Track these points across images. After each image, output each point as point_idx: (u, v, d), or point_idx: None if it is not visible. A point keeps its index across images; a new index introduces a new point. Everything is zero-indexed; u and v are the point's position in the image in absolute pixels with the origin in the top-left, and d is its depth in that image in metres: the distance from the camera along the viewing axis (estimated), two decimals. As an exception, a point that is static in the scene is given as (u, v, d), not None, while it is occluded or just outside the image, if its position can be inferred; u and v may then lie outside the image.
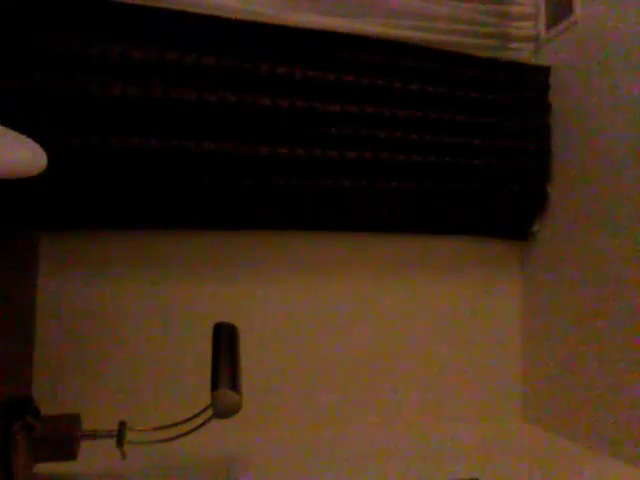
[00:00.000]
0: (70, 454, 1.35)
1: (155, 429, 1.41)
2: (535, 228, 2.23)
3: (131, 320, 1.88)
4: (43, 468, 1.43)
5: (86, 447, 1.38)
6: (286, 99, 1.87)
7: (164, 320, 1.92)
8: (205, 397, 1.40)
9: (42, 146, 1.08)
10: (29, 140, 0.86)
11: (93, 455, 1.42)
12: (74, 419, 1.40)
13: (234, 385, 1.39)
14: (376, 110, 1.98)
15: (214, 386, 1.39)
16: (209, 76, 1.80)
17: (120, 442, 1.35)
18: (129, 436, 1.37)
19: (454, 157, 2.07)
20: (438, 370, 2.17)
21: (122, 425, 1.39)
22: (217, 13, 1.84)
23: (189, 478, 1.57)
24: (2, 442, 1.20)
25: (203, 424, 1.38)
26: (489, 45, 2.19)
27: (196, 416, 1.41)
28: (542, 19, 2.24)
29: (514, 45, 2.23)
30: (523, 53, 2.24)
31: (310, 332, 2.06)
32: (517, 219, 2.23)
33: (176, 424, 1.41)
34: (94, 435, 1.40)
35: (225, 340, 1.52)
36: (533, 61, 2.24)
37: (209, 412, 1.38)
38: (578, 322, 1.97)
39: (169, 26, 1.78)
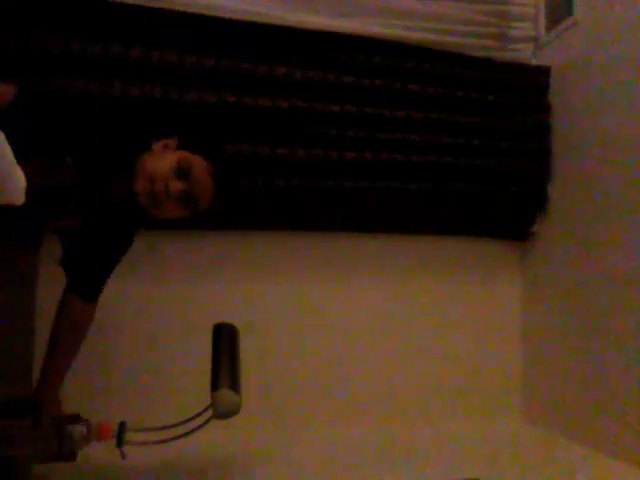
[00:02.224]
0: (70, 454, 1.35)
1: (155, 429, 1.41)
2: (535, 228, 2.23)
3: (131, 320, 1.88)
4: (43, 468, 1.43)
5: (86, 447, 1.38)
6: (286, 100, 1.87)
7: (164, 320, 1.91)
8: (205, 397, 1.40)
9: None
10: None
11: (93, 455, 1.41)
12: (74, 419, 1.39)
13: (234, 386, 1.39)
14: (376, 111, 1.98)
15: (214, 387, 1.38)
16: (209, 77, 1.80)
17: (120, 442, 1.35)
18: (129, 436, 1.37)
19: (454, 158, 2.07)
20: (438, 370, 2.17)
21: (122, 425, 1.39)
22: (217, 13, 1.85)
23: (189, 478, 1.57)
24: (2, 441, 1.20)
25: (203, 425, 1.38)
26: (489, 46, 2.19)
27: (196, 416, 1.41)
28: (542, 20, 2.24)
29: (514, 46, 2.23)
30: (523, 54, 2.24)
31: (310, 332, 2.05)
32: (517, 219, 2.23)
33: (176, 424, 1.41)
34: (94, 435, 1.39)
35: (225, 340, 1.52)
36: (533, 62, 2.24)
37: (209, 413, 1.38)
38: (578, 322, 1.96)
39: (169, 26, 1.79)
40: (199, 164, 1.27)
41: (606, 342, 1.82)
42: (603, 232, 1.87)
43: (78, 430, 1.29)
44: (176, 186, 1.24)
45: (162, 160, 1.26)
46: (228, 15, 1.85)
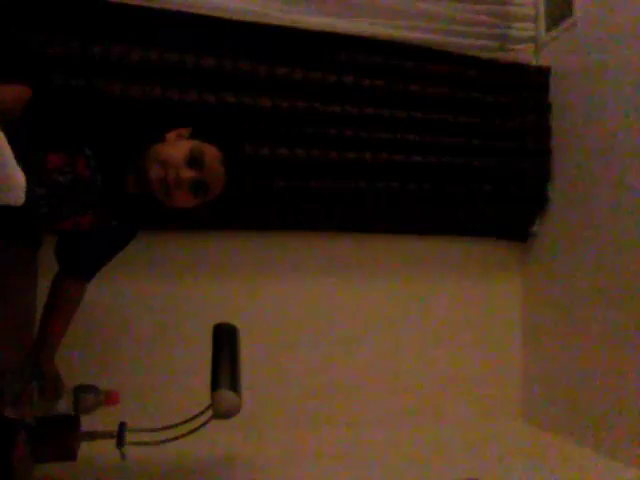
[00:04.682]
0: (70, 454, 1.35)
1: (155, 430, 1.41)
2: (535, 228, 2.23)
3: (131, 320, 1.88)
4: (43, 468, 1.43)
5: (86, 447, 1.38)
6: (286, 100, 1.87)
7: (164, 320, 1.91)
8: (205, 397, 1.40)
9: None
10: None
11: (93, 455, 1.41)
12: (74, 419, 1.39)
13: (234, 386, 1.39)
14: (376, 111, 1.98)
15: (214, 387, 1.39)
16: (209, 77, 1.80)
17: (120, 443, 1.35)
18: (129, 437, 1.37)
19: (454, 158, 2.07)
20: (438, 370, 2.17)
21: (122, 426, 1.39)
22: (217, 13, 1.85)
23: (189, 479, 1.57)
24: (2, 443, 1.20)
25: (203, 425, 1.38)
26: (489, 46, 2.19)
27: (196, 417, 1.41)
28: (542, 20, 2.24)
29: (514, 46, 2.23)
30: (523, 54, 2.24)
31: (310, 332, 2.05)
32: (517, 219, 2.23)
33: (176, 425, 1.41)
34: (94, 435, 1.40)
35: (225, 340, 1.52)
36: (533, 62, 2.24)
37: (209, 413, 1.38)
38: (578, 322, 1.97)
39: (169, 27, 1.79)
40: (211, 153, 1.28)
41: (606, 342, 1.82)
42: (603, 232, 1.87)
43: (89, 395, 1.40)
44: (187, 174, 1.25)
45: (175, 148, 1.27)
46: (228, 15, 1.85)
